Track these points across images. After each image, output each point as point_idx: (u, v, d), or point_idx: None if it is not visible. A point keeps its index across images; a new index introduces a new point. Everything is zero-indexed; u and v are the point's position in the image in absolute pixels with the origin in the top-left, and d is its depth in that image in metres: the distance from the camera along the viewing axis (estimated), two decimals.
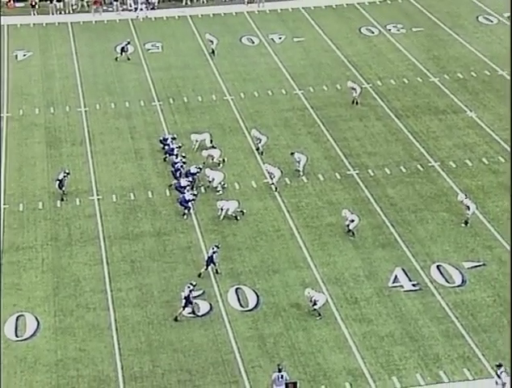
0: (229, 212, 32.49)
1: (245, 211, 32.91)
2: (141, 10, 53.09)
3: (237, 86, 43.45)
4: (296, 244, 31.20)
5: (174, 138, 36.98)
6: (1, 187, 35.04)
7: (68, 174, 34.17)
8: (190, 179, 33.98)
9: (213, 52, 46.94)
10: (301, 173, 35.32)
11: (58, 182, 33.84)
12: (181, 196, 32.94)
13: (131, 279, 29.58)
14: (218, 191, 34.15)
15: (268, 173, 34.82)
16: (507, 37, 48.35)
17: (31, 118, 40.81)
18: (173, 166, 34.91)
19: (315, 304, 27.43)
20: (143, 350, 26.45)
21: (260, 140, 37.18)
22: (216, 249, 29.33)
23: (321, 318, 27.47)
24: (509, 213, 32.76)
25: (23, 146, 38.28)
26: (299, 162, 35.28)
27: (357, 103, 41.16)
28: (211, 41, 47.07)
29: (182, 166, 34.61)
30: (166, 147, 36.54)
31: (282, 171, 34.67)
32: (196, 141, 37.14)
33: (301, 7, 53.88)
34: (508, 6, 52.42)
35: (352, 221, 31.22)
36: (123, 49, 46.45)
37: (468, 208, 31.83)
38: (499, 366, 24.21)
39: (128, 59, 46.41)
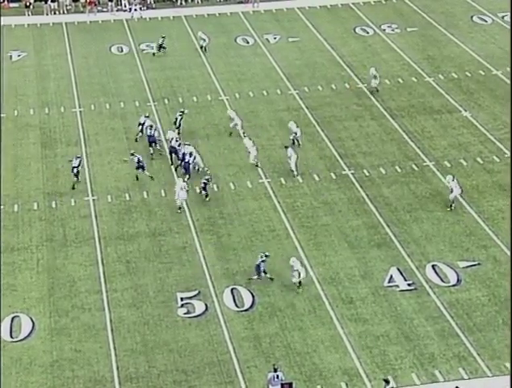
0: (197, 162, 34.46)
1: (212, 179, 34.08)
2: (135, 10, 53.07)
3: (231, 87, 43.45)
4: (292, 244, 31.22)
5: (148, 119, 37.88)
6: None
7: (80, 160, 34.91)
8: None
9: (204, 49, 46.95)
10: (295, 172, 35.36)
11: (75, 169, 34.46)
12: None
13: (126, 279, 29.58)
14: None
15: (246, 148, 35.98)
16: (502, 37, 48.50)
17: (26, 119, 40.77)
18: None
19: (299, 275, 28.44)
20: (138, 350, 26.45)
21: (234, 121, 37.86)
22: (264, 258, 28.85)
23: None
24: (503, 213, 32.85)
25: (17, 147, 38.24)
26: (290, 157, 35.34)
27: (377, 90, 41.87)
28: (204, 39, 47.15)
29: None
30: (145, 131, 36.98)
31: (258, 150, 35.87)
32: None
33: (296, 7, 53.92)
34: (502, 6, 52.65)
35: (298, 273, 28.69)
36: (161, 46, 46.41)
37: (452, 191, 32.18)
38: (387, 382, 23.97)
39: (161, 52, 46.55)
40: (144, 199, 34.19)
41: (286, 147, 35.96)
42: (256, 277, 29.02)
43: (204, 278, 29.51)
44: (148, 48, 48.48)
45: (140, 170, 34.77)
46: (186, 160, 34.94)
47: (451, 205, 32.67)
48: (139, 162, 34.63)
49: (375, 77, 42.05)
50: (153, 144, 36.79)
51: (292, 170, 35.44)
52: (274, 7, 54.11)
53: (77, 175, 34.67)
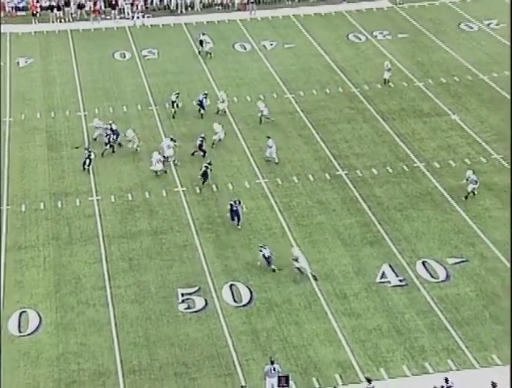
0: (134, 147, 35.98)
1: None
2: (138, 18, 52.97)
3: (230, 91, 43.30)
4: (288, 242, 31.18)
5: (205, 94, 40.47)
6: (4, 188, 34.97)
7: (111, 130, 36.82)
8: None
9: (210, 54, 47.03)
10: (276, 159, 35.98)
11: (108, 137, 36.69)
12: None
13: (129, 276, 29.54)
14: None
15: (214, 130, 37.19)
16: (488, 43, 48.55)
17: (33, 122, 40.70)
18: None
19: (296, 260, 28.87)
20: (141, 344, 26.42)
21: (224, 104, 40.12)
22: (261, 249, 29.22)
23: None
24: (490, 211, 32.87)
25: (25, 149, 38.17)
26: (271, 147, 35.92)
27: (388, 82, 43.26)
28: (208, 42, 47.29)
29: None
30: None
31: (225, 133, 37.42)
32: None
33: (291, 15, 53.90)
34: (488, 13, 52.77)
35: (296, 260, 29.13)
36: (201, 42, 47.28)
37: (476, 182, 33.07)
38: (369, 381, 23.78)
39: (202, 54, 47.37)
40: (146, 199, 34.15)
41: (268, 137, 36.41)
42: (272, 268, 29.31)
43: (204, 275, 29.48)
44: (150, 54, 48.44)
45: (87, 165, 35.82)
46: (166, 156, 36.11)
47: (472, 193, 33.38)
48: (89, 157, 35.68)
49: (389, 70, 43.18)
50: (117, 139, 37.46)
51: (269, 159, 35.96)
52: (270, 15, 54.07)
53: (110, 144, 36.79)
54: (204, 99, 40.16)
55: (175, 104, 40.62)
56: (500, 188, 33.77)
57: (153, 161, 35.31)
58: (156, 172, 35.30)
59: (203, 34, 47.86)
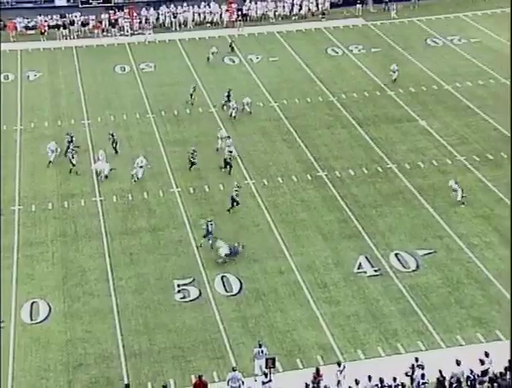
0: (105, 173, 34.66)
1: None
2: (149, 34, 52.80)
3: (220, 100, 43.22)
4: (273, 237, 31.18)
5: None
6: (16, 190, 34.79)
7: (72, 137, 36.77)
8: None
9: (208, 59, 48.09)
10: (233, 156, 36.09)
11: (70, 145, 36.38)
12: None
13: (130, 269, 29.44)
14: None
15: (220, 137, 37.30)
16: (451, 57, 48.84)
17: (41, 130, 40.49)
18: None
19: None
20: (141, 331, 26.35)
21: (248, 103, 40.99)
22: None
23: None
24: (455, 207, 32.98)
25: (34, 155, 37.94)
26: (231, 151, 36.20)
27: (395, 81, 44.26)
28: (212, 53, 48.33)
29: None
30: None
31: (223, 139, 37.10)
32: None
33: (275, 31, 53.91)
34: (451, 30, 53.06)
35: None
36: (231, 46, 49.45)
37: (456, 191, 32.57)
38: (339, 364, 23.49)
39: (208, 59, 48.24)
40: (145, 199, 34.05)
41: (228, 137, 36.88)
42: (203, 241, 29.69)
43: (198, 267, 29.42)
44: (147, 67, 48.31)
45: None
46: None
47: (463, 202, 32.70)
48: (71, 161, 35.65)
49: (393, 71, 44.30)
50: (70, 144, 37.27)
51: (231, 154, 36.05)
52: (256, 31, 54.08)
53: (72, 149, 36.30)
54: (227, 94, 40.98)
55: (192, 97, 41.75)
56: (463, 187, 33.83)
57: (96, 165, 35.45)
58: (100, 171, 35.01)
59: (233, 41, 50.41)
